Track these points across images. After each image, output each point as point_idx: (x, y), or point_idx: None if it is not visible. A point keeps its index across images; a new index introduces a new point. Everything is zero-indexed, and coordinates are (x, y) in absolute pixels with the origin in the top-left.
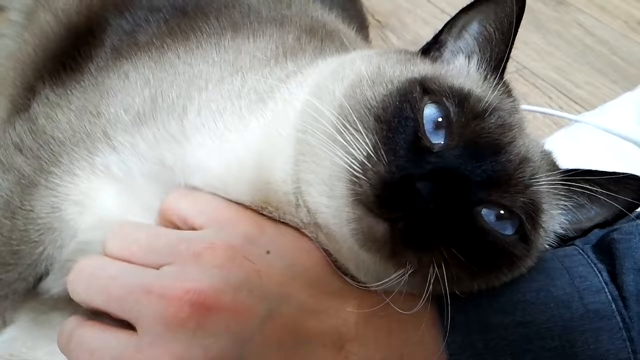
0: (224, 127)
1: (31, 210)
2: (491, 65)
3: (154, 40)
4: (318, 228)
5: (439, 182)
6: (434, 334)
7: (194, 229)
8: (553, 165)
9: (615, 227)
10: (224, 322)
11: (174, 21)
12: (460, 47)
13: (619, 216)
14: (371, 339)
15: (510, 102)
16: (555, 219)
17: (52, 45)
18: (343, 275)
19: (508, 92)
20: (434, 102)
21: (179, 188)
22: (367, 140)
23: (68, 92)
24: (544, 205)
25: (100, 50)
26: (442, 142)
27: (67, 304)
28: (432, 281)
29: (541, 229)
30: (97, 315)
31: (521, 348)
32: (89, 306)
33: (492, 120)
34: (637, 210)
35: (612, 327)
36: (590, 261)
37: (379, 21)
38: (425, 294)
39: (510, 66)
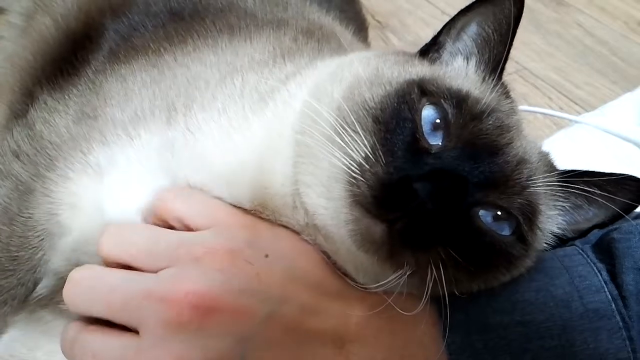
0: (229, 124)
1: (30, 217)
2: (489, 67)
3: (151, 45)
4: (316, 230)
5: (437, 183)
6: (434, 334)
7: (189, 229)
8: (551, 167)
9: (614, 226)
10: (224, 323)
11: (171, 26)
12: (459, 48)
13: (617, 217)
14: (372, 339)
15: (509, 103)
16: (552, 219)
17: (51, 50)
18: (343, 276)
19: (506, 93)
20: (431, 103)
21: (173, 187)
22: (365, 142)
23: (66, 96)
24: (541, 206)
25: (98, 55)
26: (440, 144)
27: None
28: (430, 282)
29: (538, 230)
30: (98, 319)
31: (521, 348)
32: (89, 315)
33: (490, 122)
34: (636, 210)
35: (611, 326)
36: (589, 261)
37: (379, 22)
38: (426, 295)
39: (510, 67)
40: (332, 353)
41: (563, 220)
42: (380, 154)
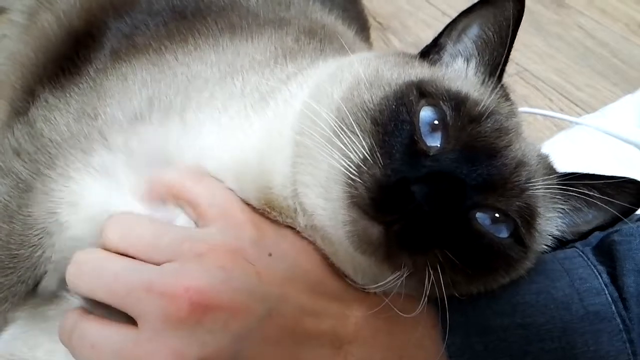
0: (230, 122)
1: (29, 215)
2: (489, 69)
3: (153, 43)
4: (315, 231)
5: (434, 186)
6: (433, 335)
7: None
8: (550, 169)
9: (615, 228)
10: (222, 320)
11: (173, 24)
12: (459, 50)
13: (617, 220)
14: (370, 340)
15: (508, 105)
16: (552, 222)
17: (53, 48)
18: (343, 277)
19: (506, 95)
20: (430, 105)
21: (196, 169)
22: (364, 143)
23: (67, 95)
24: (539, 208)
25: (99, 53)
26: (438, 146)
27: (67, 303)
28: (428, 284)
29: (537, 232)
30: (97, 307)
31: (521, 350)
32: (89, 297)
33: (489, 124)
34: (637, 212)
35: (612, 328)
36: (590, 263)
37: (380, 23)
38: (424, 297)
39: (511, 68)
40: (331, 353)
41: (562, 222)
42: (379, 155)
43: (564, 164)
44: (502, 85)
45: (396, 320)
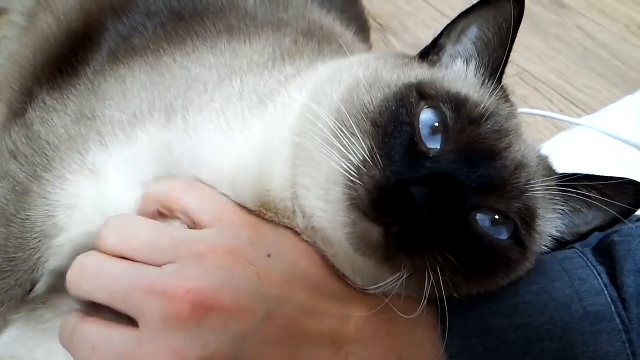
0: (227, 125)
1: (27, 219)
2: (489, 70)
3: (150, 45)
4: (315, 232)
5: (434, 187)
6: (433, 336)
7: (193, 223)
8: (549, 170)
9: (614, 229)
10: (223, 320)
11: (171, 25)
12: (458, 51)
13: (616, 220)
14: (370, 340)
15: (508, 107)
16: (551, 222)
17: (51, 49)
18: (343, 277)
19: (505, 97)
20: (430, 107)
21: (184, 178)
22: (364, 145)
23: (64, 96)
24: (539, 210)
25: (97, 54)
26: (438, 147)
27: (65, 305)
28: (428, 285)
29: (536, 233)
30: (97, 309)
31: (520, 350)
32: (90, 300)
33: (489, 126)
34: (636, 213)
35: (611, 328)
36: (589, 263)
37: (380, 24)
38: (424, 298)
39: (511, 69)
40: (331, 354)
41: (562, 223)
42: (378, 157)
43: (563, 165)
44: (501, 86)
45: (396, 321)
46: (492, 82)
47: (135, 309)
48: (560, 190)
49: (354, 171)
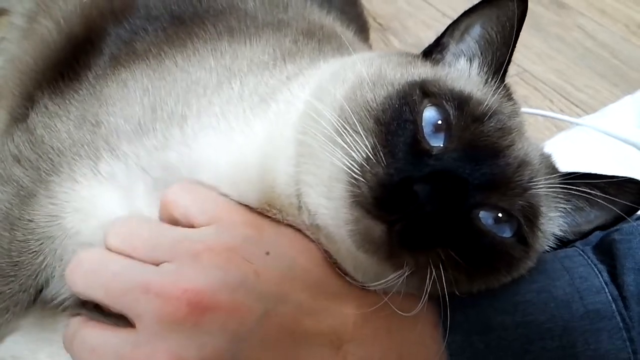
0: (228, 127)
1: (30, 221)
2: (492, 69)
3: (152, 49)
4: (318, 229)
5: (437, 185)
6: (434, 334)
7: (192, 225)
8: (552, 169)
9: (615, 227)
10: (220, 321)
11: (172, 29)
12: (462, 50)
13: (618, 219)
14: (370, 339)
15: (511, 105)
16: (554, 221)
17: (52, 54)
18: (344, 276)
19: (508, 95)
20: (433, 105)
21: (182, 181)
22: (367, 143)
23: (66, 101)
24: (542, 208)
25: (99, 59)
26: (442, 145)
27: (69, 307)
28: (430, 282)
29: (539, 232)
30: (99, 313)
31: (521, 348)
32: (88, 299)
33: (492, 124)
34: (638, 212)
35: (612, 327)
36: (590, 262)
37: (380, 24)
38: (424, 296)
39: (511, 69)
40: (330, 353)
41: (564, 222)
42: (381, 155)
43: (563, 165)
44: (505, 85)
45: (396, 319)
46: (495, 81)
47: (132, 309)
48: (563, 189)
49: (357, 169)
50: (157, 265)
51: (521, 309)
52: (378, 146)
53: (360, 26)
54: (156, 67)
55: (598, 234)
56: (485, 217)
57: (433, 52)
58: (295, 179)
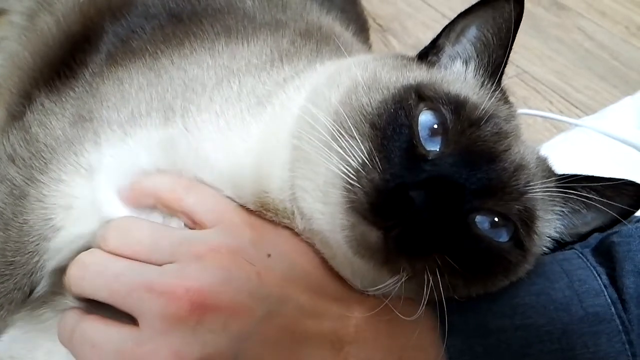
0: (227, 126)
1: (25, 223)
2: (489, 71)
3: (149, 47)
4: (314, 234)
5: (433, 191)
6: (433, 337)
7: (194, 223)
8: (549, 172)
9: (614, 230)
10: (222, 320)
11: (169, 28)
12: (458, 52)
13: (616, 222)
14: (370, 342)
15: (507, 108)
16: (550, 224)
17: (50, 52)
18: (344, 278)
19: (505, 98)
20: (429, 109)
21: (184, 178)
22: (362, 148)
23: (63, 99)
24: (538, 211)
25: (95, 57)
26: (438, 150)
27: (63, 304)
28: (428, 288)
29: (536, 235)
30: (96, 306)
31: (520, 351)
32: (91, 298)
33: (488, 128)
34: (636, 214)
35: (611, 330)
36: (589, 264)
37: (380, 25)
38: (423, 301)
39: (511, 70)
40: (331, 354)
41: (561, 224)
42: (377, 160)
43: (563, 166)
44: (501, 87)
45: (396, 322)
46: (492, 84)
47: (136, 308)
48: (559, 192)
49: (352, 174)
50: (158, 265)
51: (520, 312)
52: (374, 151)
53: (360, 26)
54: (153, 65)
55: (597, 236)
56: (481, 221)
57: (429, 54)
58: (289, 184)
